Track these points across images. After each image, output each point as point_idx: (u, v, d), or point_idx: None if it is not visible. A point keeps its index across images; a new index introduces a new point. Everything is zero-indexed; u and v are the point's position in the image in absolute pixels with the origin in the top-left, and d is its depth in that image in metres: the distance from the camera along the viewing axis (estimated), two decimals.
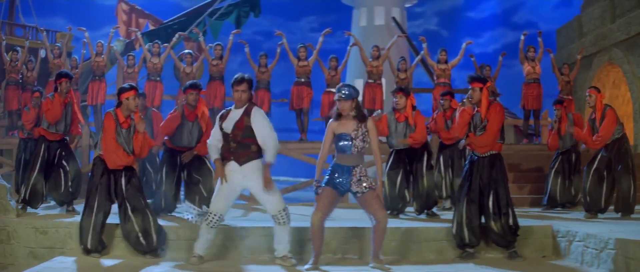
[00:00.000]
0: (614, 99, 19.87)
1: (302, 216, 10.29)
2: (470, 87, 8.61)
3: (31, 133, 12.33)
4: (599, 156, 10.98)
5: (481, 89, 8.51)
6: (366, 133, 7.61)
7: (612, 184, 10.91)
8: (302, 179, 16.16)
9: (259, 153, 7.85)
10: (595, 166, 10.96)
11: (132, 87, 8.55)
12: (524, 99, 16.27)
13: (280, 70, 15.93)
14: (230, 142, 7.80)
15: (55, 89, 10.55)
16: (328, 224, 9.40)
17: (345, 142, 7.58)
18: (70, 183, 10.63)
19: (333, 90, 15.36)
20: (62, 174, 10.60)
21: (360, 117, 7.63)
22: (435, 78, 15.97)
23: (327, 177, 7.75)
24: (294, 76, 15.61)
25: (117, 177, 8.47)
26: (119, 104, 8.50)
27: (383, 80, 15.95)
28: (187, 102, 10.25)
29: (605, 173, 10.88)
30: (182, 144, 10.30)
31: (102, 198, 8.41)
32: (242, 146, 7.78)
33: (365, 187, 7.56)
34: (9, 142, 15.98)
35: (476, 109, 8.64)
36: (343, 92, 7.59)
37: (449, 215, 10.91)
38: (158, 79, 15.87)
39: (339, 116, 7.69)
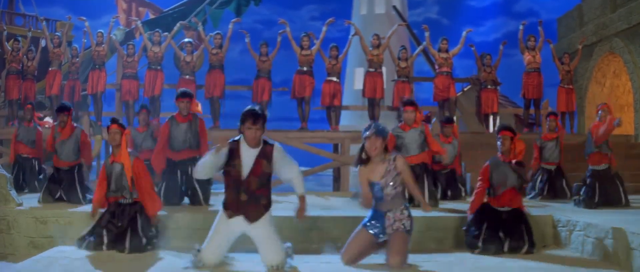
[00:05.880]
0: (615, 88, 19.85)
1: None
2: (499, 136, 8.50)
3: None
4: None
5: (512, 139, 8.44)
6: (397, 176, 7.01)
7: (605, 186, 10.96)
8: (303, 168, 16.15)
9: (268, 206, 6.95)
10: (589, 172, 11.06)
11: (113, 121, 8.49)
12: (524, 88, 16.27)
13: (280, 59, 15.90)
14: (241, 193, 6.82)
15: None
16: (329, 213, 9.43)
17: (377, 191, 7.04)
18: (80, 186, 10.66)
19: (334, 78, 15.43)
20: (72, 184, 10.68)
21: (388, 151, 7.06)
22: (436, 67, 15.95)
23: (365, 220, 7.26)
24: (294, 65, 15.57)
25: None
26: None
27: (384, 69, 15.93)
28: (179, 111, 10.48)
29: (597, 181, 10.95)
30: (176, 148, 10.47)
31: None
32: (253, 198, 6.84)
33: (394, 228, 7.01)
34: (9, 132, 15.94)
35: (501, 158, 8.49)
36: (374, 129, 6.98)
37: (447, 205, 10.92)
38: (159, 67, 15.86)
39: (366, 160, 7.07)
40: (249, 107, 6.85)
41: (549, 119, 12.63)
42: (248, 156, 6.83)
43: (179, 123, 10.40)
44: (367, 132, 6.99)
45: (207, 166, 6.86)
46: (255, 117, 6.72)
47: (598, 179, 10.93)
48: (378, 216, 7.12)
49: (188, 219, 8.97)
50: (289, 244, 7.16)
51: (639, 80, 17.56)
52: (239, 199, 6.83)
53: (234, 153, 6.85)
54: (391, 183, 6.97)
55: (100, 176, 8.43)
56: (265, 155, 6.84)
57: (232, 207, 6.88)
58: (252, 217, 6.85)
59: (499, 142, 8.47)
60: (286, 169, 6.93)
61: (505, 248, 8.08)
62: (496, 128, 8.63)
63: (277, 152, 6.87)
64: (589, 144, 11.19)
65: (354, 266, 7.08)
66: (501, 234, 8.15)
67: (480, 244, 8.17)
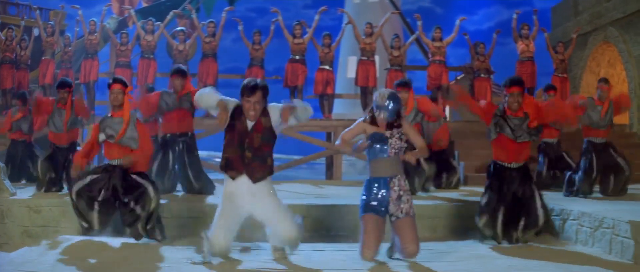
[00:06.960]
0: (610, 78, 19.76)
1: (294, 193, 10.32)
2: (507, 93, 7.91)
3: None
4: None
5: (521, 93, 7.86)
6: (402, 135, 6.66)
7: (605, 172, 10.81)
8: (295, 157, 16.16)
9: (272, 168, 6.68)
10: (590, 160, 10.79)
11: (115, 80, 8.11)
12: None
13: (273, 47, 15.87)
14: (245, 150, 6.51)
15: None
16: (320, 201, 9.45)
17: (379, 144, 6.60)
18: None
19: (326, 67, 15.41)
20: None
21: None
22: (430, 56, 15.96)
23: (363, 199, 6.71)
24: (287, 53, 15.55)
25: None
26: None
27: (376, 58, 15.92)
28: (174, 89, 10.32)
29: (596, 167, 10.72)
30: (167, 119, 10.43)
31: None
32: (258, 157, 6.55)
33: (402, 211, 6.58)
34: (2, 122, 15.88)
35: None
36: (389, 106, 6.54)
37: (440, 193, 10.94)
38: (151, 56, 15.83)
39: (372, 121, 6.70)
40: (248, 79, 6.63)
41: (547, 93, 12.35)
42: (250, 122, 6.57)
43: (171, 95, 10.32)
44: (379, 113, 6.58)
45: (206, 95, 6.65)
46: (252, 89, 6.44)
47: (596, 152, 10.68)
48: (379, 183, 6.63)
49: (182, 208, 8.96)
50: (299, 220, 6.84)
51: (634, 70, 17.59)
52: (244, 156, 6.50)
53: (239, 110, 6.57)
54: (397, 134, 6.59)
55: (92, 131, 8.13)
56: (264, 114, 6.56)
57: (236, 166, 6.55)
58: (255, 177, 6.52)
59: (506, 99, 7.90)
60: (275, 109, 6.60)
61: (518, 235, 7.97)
62: (503, 82, 8.02)
63: (271, 106, 6.61)
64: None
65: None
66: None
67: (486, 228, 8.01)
